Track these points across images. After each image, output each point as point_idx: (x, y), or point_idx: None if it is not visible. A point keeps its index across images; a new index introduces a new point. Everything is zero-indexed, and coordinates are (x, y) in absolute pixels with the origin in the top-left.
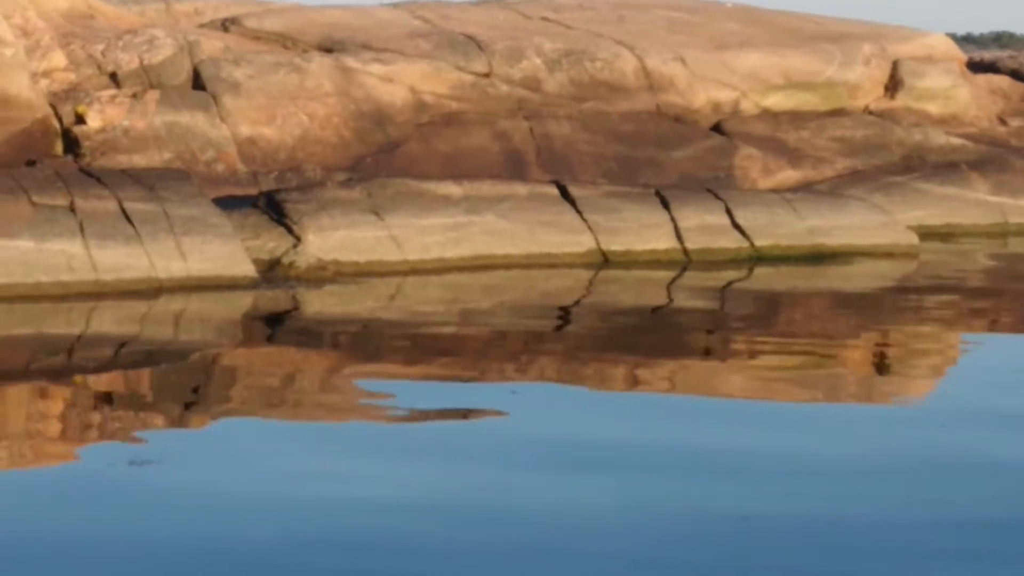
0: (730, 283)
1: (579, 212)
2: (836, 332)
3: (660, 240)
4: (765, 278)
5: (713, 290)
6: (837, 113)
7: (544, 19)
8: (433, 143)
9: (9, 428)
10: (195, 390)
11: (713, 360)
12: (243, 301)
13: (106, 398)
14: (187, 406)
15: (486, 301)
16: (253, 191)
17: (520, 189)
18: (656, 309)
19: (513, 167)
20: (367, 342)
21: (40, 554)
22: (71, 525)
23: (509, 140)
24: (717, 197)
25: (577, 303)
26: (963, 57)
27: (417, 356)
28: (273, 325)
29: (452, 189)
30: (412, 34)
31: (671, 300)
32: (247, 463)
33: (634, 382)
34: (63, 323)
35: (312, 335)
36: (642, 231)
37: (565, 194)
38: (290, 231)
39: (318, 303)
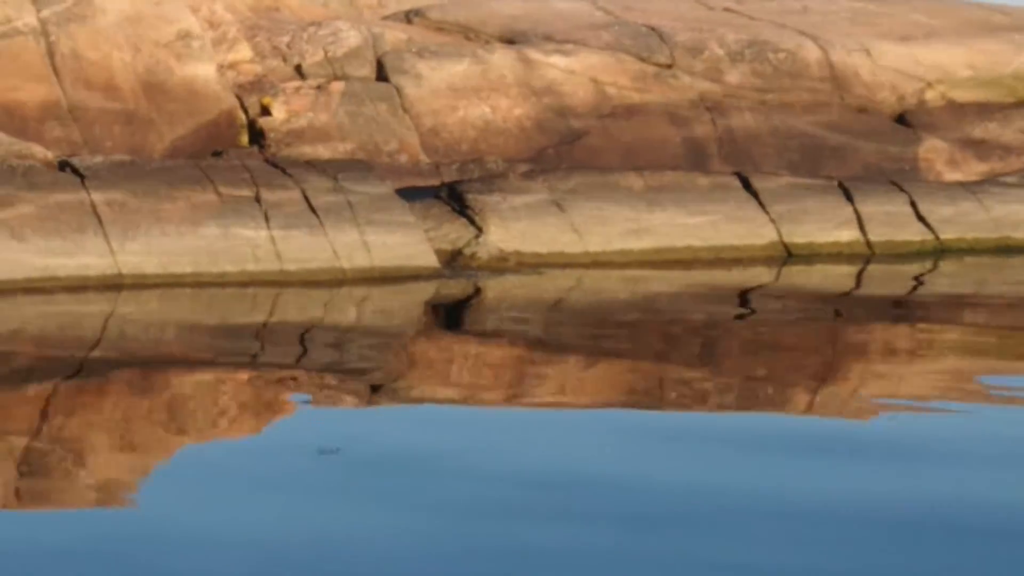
0: (918, 282)
1: (761, 204)
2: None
3: (843, 232)
4: (950, 273)
5: (898, 291)
6: None
7: (727, 10)
8: (615, 134)
9: (196, 417)
10: (378, 379)
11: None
12: (425, 291)
13: (291, 386)
14: (372, 395)
15: (668, 295)
16: (435, 182)
17: (702, 180)
18: (837, 313)
19: (695, 158)
20: (549, 334)
21: (228, 545)
22: (261, 515)
23: (691, 131)
24: (901, 189)
25: (760, 305)
26: None
27: (597, 351)
28: (455, 316)
29: (634, 180)
30: (594, 25)
31: (853, 301)
32: (429, 453)
33: (809, 406)
34: (248, 311)
35: (494, 326)
36: (825, 223)
37: (747, 186)
38: (472, 222)
39: (500, 294)
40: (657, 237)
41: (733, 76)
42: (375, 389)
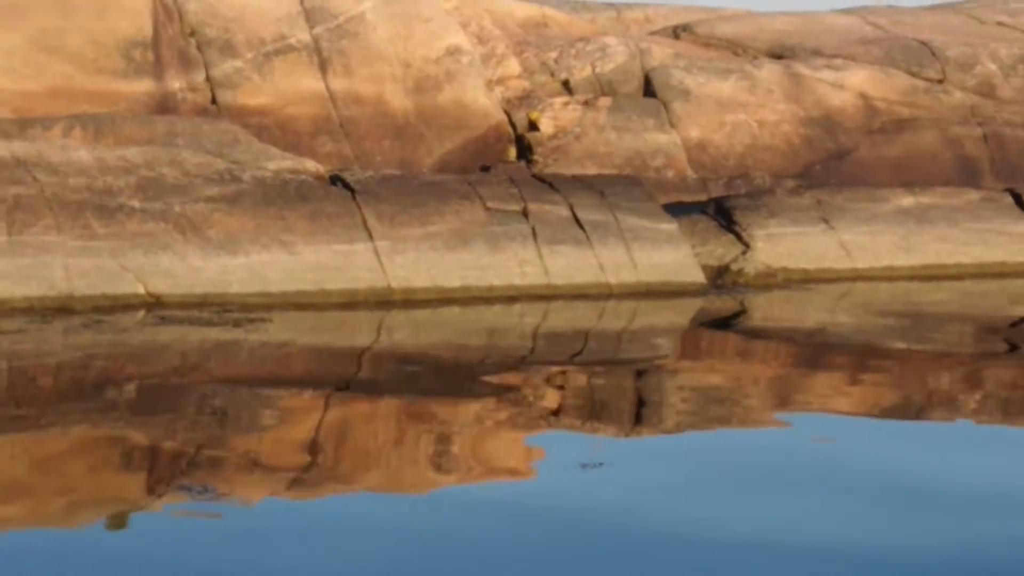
0: None
1: None
2: None
3: None
4: None
5: None
6: None
7: (1000, 24)
8: (884, 150)
9: (462, 434)
10: (643, 395)
11: None
12: (692, 307)
13: (557, 401)
14: (637, 409)
15: (937, 315)
16: (702, 197)
17: (973, 196)
18: None
19: (965, 174)
20: (818, 353)
21: (498, 560)
22: (530, 530)
23: (961, 147)
24: None
25: None
26: None
27: (863, 373)
28: (722, 332)
29: (903, 197)
30: (863, 40)
31: None
32: (691, 470)
33: None
34: (514, 327)
35: (762, 344)
36: None
37: (1019, 202)
38: (739, 238)
39: (767, 310)
40: (926, 254)
41: (1006, 91)
42: (642, 406)
